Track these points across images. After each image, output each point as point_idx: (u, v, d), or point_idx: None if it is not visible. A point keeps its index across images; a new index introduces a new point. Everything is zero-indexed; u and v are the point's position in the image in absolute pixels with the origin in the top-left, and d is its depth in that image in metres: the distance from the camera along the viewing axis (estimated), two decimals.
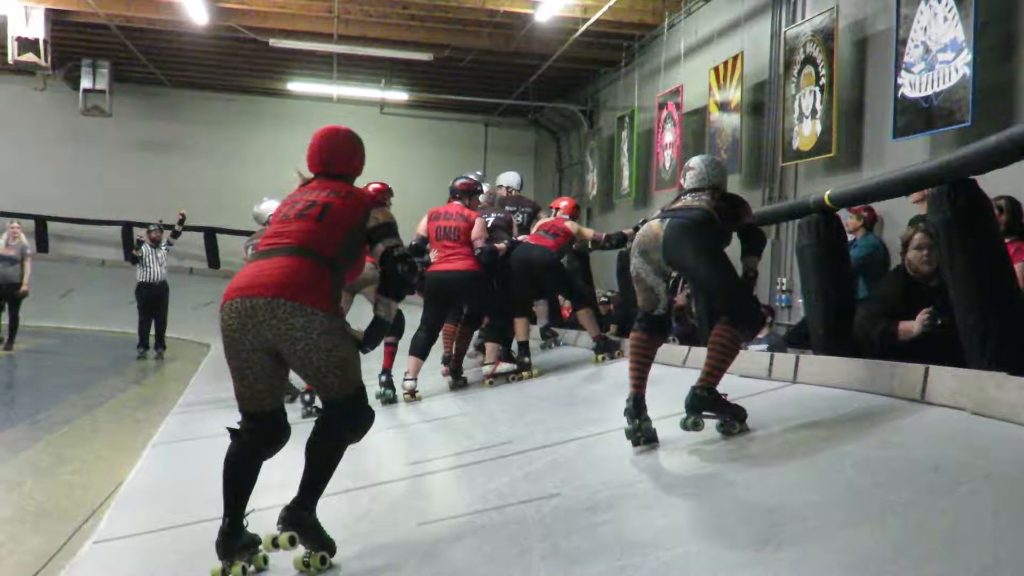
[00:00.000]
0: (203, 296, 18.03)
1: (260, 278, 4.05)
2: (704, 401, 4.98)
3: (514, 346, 8.83)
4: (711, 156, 6.01)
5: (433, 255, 8.50)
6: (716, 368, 5.02)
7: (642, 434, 5.12)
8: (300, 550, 4.13)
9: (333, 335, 4.08)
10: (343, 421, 4.41)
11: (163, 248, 15.21)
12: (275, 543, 4.17)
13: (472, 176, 9.14)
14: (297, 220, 4.29)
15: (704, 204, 5.20)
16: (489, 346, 8.60)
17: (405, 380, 8.33)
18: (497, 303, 8.78)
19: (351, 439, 4.45)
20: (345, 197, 4.48)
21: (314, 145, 5.05)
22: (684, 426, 5.05)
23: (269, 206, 9.27)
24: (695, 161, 5.49)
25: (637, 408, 5.18)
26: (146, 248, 14.97)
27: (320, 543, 4.13)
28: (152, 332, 15.01)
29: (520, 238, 9.17)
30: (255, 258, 4.29)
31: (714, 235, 5.18)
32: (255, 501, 4.31)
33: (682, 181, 5.51)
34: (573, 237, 9.17)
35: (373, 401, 4.84)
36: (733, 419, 4.97)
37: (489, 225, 8.86)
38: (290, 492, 4.32)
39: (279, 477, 4.86)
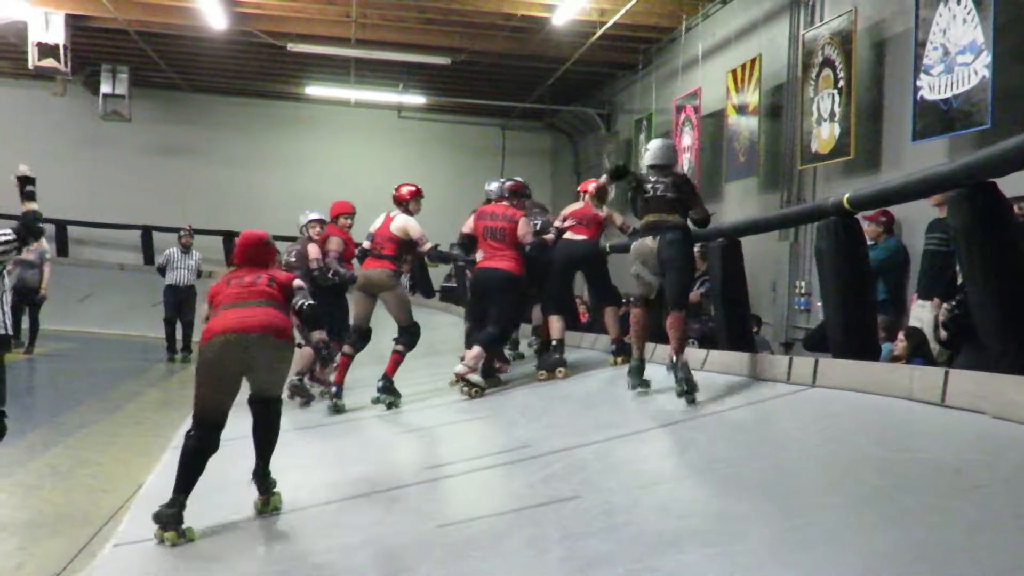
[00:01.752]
0: None
1: (247, 321, 5.38)
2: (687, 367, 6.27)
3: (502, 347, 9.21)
4: (666, 140, 7.61)
5: (479, 254, 8.65)
6: (682, 343, 6.51)
7: (644, 388, 6.84)
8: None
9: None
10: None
11: (194, 254, 15.43)
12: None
13: (518, 179, 9.40)
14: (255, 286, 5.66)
15: (679, 220, 6.86)
16: (475, 350, 8.47)
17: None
18: (514, 313, 8.85)
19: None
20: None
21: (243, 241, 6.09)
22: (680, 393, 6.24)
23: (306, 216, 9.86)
24: (653, 143, 7.32)
25: (640, 371, 6.94)
26: (176, 252, 15.22)
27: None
28: (179, 335, 15.22)
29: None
30: (232, 307, 5.52)
31: (690, 245, 6.96)
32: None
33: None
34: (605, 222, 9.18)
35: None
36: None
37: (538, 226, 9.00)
38: (305, 495, 4.31)
39: (293, 481, 4.86)
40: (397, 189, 9.16)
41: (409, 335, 8.80)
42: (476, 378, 8.33)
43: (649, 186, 6.97)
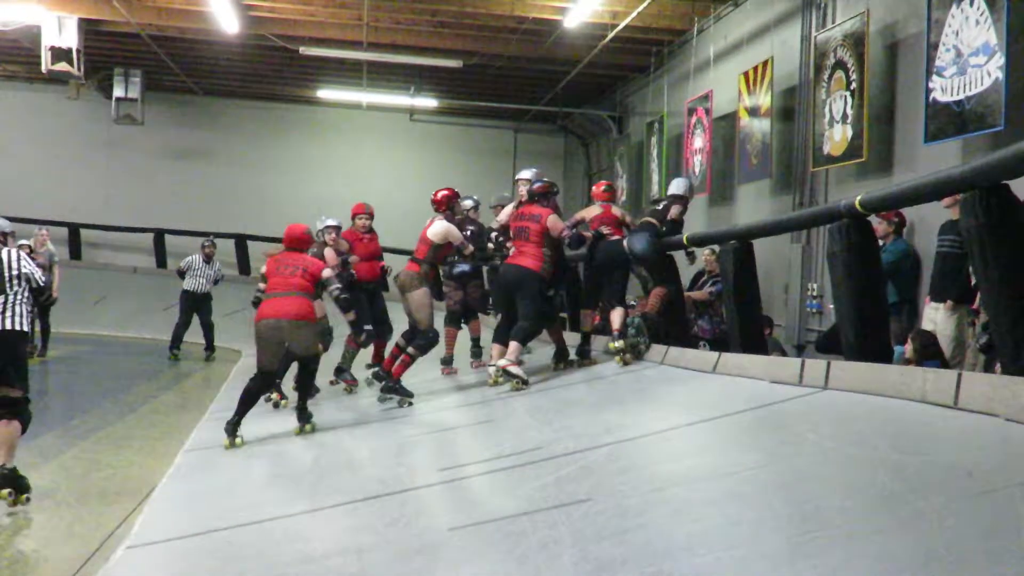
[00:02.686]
0: (234, 303, 18.11)
1: (282, 310, 7.91)
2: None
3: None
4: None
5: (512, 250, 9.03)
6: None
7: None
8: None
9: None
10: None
11: (215, 265, 15.97)
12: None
13: (546, 179, 9.46)
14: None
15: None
16: (513, 345, 8.64)
17: (488, 365, 9.07)
18: (544, 308, 9.05)
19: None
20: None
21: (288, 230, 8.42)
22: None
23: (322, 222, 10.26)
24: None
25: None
26: (198, 260, 15.73)
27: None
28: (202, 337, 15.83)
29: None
30: (274, 296, 8.03)
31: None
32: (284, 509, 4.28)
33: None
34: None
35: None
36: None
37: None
38: (316, 498, 4.32)
39: (306, 484, 4.87)
40: (434, 195, 9.34)
41: (425, 339, 8.94)
42: (517, 370, 8.47)
43: None
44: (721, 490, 4.35)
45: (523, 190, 9.53)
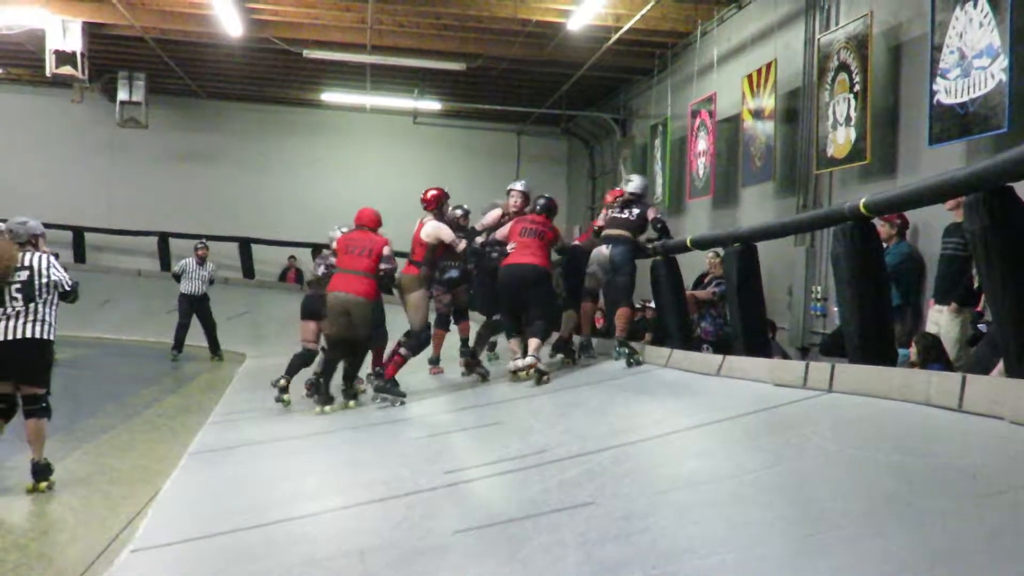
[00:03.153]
0: (238, 306, 18.15)
1: (349, 287, 9.05)
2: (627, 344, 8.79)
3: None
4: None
5: (510, 247, 9.31)
6: (625, 328, 9.01)
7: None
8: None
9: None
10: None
11: (208, 266, 16.36)
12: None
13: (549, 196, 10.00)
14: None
15: (629, 235, 9.34)
16: (535, 342, 8.86)
17: (514, 361, 9.07)
18: (553, 304, 9.53)
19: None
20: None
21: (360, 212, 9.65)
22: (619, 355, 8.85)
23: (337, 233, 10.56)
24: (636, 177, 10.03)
25: (590, 343, 9.76)
26: (192, 263, 16.17)
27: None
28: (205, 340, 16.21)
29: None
30: (344, 272, 9.19)
31: (634, 256, 9.36)
32: (288, 511, 4.29)
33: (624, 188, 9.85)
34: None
35: None
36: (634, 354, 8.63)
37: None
38: (320, 501, 4.33)
39: (309, 487, 4.88)
40: (424, 195, 9.63)
41: (416, 340, 9.27)
42: (543, 367, 8.84)
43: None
44: (725, 493, 4.36)
45: (516, 200, 9.90)
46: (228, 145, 23.43)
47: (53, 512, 6.37)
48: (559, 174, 24.52)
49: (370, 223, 9.49)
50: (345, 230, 10.27)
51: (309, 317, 10.40)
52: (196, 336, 15.82)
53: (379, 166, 23.64)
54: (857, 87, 9.99)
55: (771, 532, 3.69)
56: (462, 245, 9.63)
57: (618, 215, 9.54)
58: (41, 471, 6.88)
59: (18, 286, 6.96)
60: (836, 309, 8.02)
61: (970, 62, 8.11)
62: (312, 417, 8.79)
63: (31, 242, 7.31)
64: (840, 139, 10.26)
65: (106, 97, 21.25)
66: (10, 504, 6.41)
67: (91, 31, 16.10)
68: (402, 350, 9.15)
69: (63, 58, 15.75)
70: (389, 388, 8.96)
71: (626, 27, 14.46)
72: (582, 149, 23.22)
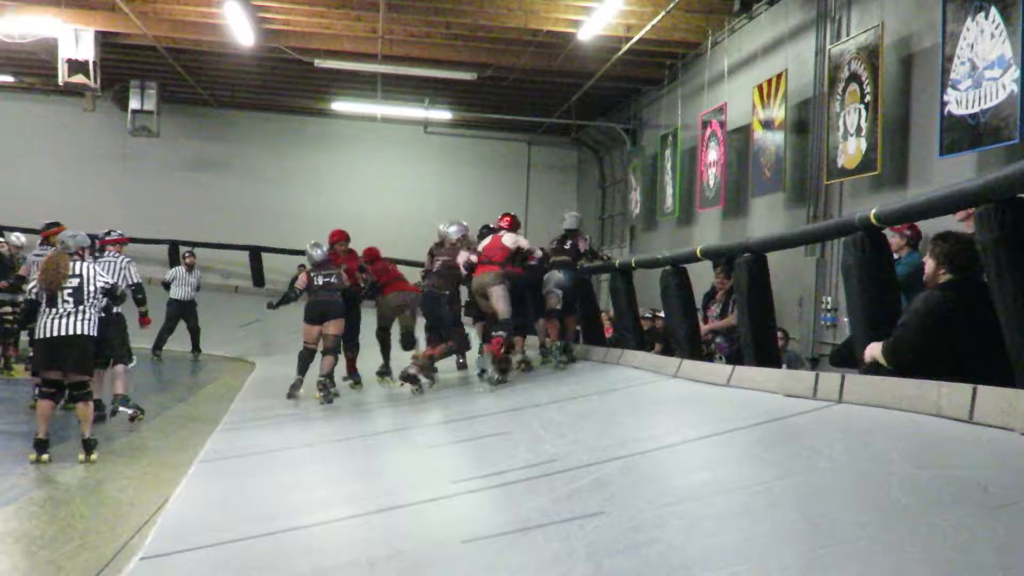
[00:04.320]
0: (248, 315, 18.18)
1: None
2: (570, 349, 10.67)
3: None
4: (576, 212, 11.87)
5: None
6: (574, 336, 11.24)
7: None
8: None
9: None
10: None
11: (196, 273, 17.38)
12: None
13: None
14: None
15: (570, 259, 11.08)
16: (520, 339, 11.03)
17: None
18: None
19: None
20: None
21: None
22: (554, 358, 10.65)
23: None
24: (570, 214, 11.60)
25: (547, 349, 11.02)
26: (181, 271, 17.30)
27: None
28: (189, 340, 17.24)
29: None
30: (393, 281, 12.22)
31: (576, 277, 11.16)
32: (296, 520, 4.29)
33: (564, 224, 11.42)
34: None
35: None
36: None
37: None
38: (329, 510, 4.33)
39: (318, 495, 4.88)
40: (501, 218, 11.24)
41: (509, 325, 10.36)
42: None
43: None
44: (735, 504, 4.34)
45: (454, 238, 11.43)
46: (239, 154, 23.50)
47: (62, 519, 6.37)
48: (569, 183, 24.55)
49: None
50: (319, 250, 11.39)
51: (310, 321, 11.13)
52: (208, 345, 15.83)
53: (390, 175, 23.69)
54: (868, 97, 9.98)
55: (782, 545, 3.67)
56: (538, 253, 11.05)
57: (560, 247, 11.28)
58: (90, 445, 8.12)
59: (69, 291, 8.24)
60: (846, 319, 8.01)
61: (981, 73, 8.10)
62: (321, 425, 8.80)
63: (79, 253, 8.70)
64: (851, 149, 10.26)
65: (118, 106, 21.34)
66: (20, 511, 6.42)
67: (103, 40, 16.18)
68: (502, 332, 10.24)
69: (75, 67, 15.83)
70: (501, 366, 10.23)
71: (636, 37, 14.47)
72: (592, 159, 23.22)
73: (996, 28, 7.94)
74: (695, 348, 9.20)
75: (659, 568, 3.64)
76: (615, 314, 11.33)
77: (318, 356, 11.12)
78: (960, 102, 8.35)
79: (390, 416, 8.85)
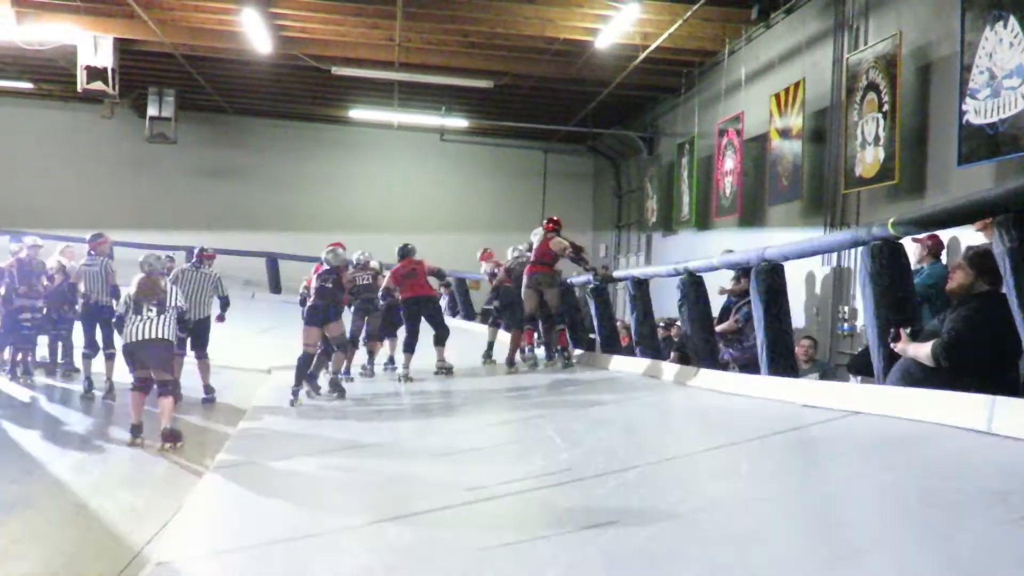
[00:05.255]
0: (265, 321, 18.18)
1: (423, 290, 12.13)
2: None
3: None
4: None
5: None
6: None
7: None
8: None
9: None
10: None
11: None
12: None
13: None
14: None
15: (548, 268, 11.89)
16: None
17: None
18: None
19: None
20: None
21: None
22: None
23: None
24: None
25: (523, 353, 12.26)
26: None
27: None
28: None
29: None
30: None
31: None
32: (311, 527, 4.28)
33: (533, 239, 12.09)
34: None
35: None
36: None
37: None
38: (344, 517, 4.31)
39: (333, 502, 4.86)
40: (547, 222, 12.09)
41: (560, 318, 12.25)
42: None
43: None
44: (751, 515, 4.33)
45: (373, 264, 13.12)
46: (256, 161, 23.59)
47: (78, 524, 6.39)
48: (585, 191, 24.57)
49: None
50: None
51: (312, 324, 11.38)
52: (224, 352, 15.81)
53: (406, 182, 23.76)
54: (886, 107, 9.96)
55: (798, 555, 3.66)
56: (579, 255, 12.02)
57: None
58: (170, 435, 9.03)
59: (155, 303, 9.54)
60: (863, 328, 7.98)
61: (1000, 82, 8.08)
62: (336, 433, 8.79)
63: (162, 272, 10.29)
64: (868, 159, 10.23)
65: (136, 113, 21.47)
66: (34, 518, 6.44)
67: (122, 47, 16.27)
68: (560, 326, 12.26)
69: (94, 74, 15.92)
70: (561, 351, 12.09)
71: (653, 46, 14.48)
72: (608, 167, 23.24)
73: (1015, 37, 7.92)
74: (711, 357, 9.18)
75: None
76: (632, 323, 11.33)
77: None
78: (978, 111, 8.32)
79: (405, 424, 8.85)
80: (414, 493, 6.01)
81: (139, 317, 9.50)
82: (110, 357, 12.25)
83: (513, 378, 11.32)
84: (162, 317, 9.56)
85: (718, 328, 9.92)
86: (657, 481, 5.28)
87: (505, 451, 7.31)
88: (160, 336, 9.49)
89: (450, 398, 10.71)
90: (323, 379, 11.33)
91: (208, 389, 12.21)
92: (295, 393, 10.75)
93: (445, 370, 12.06)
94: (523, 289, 11.83)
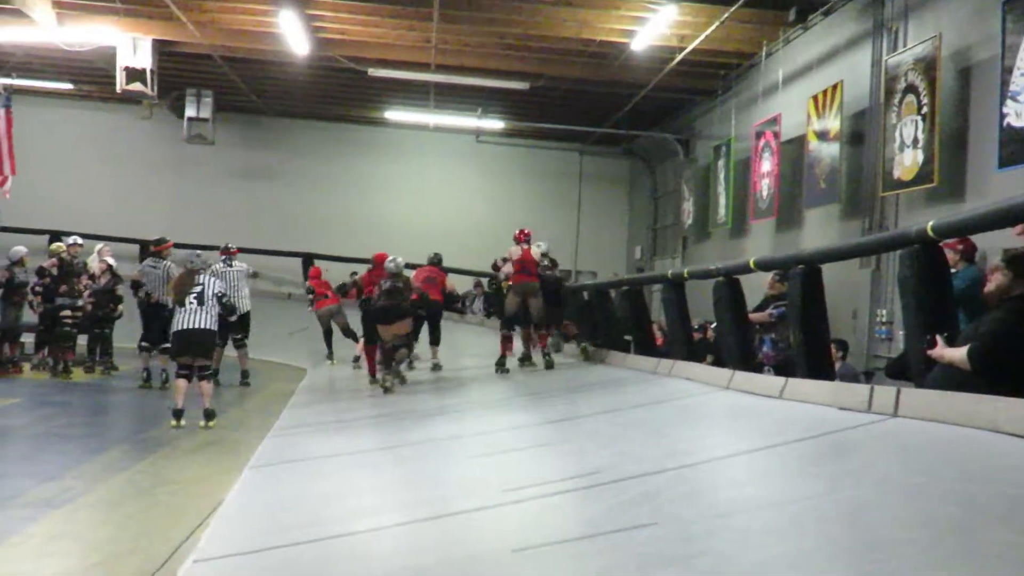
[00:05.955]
0: (300, 321, 18.26)
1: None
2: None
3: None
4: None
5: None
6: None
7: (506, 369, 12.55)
8: None
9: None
10: None
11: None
12: None
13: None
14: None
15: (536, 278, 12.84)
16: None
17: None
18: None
19: None
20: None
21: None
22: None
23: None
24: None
25: (506, 364, 12.69)
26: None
27: None
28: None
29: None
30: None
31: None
32: (347, 526, 4.29)
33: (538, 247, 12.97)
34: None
35: None
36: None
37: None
38: (379, 516, 4.33)
39: (369, 502, 4.88)
40: (520, 233, 12.92)
41: (546, 325, 13.02)
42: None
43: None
44: (785, 518, 4.30)
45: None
46: (292, 162, 23.70)
47: (115, 521, 6.44)
48: (620, 194, 24.51)
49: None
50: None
51: (385, 322, 12.34)
52: (259, 350, 15.93)
53: (441, 184, 23.79)
54: (925, 109, 9.88)
55: (832, 560, 3.63)
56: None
57: (545, 269, 13.40)
58: (210, 414, 10.43)
59: (194, 296, 10.60)
60: (902, 332, 7.91)
61: None
62: (371, 433, 8.83)
63: (203, 269, 11.25)
64: (907, 161, 10.15)
65: (174, 114, 21.60)
66: (71, 515, 6.49)
67: (160, 49, 16.39)
68: (542, 330, 12.89)
69: (133, 75, 16.04)
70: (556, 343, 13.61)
71: (690, 47, 14.43)
72: (644, 169, 23.18)
73: None
74: (747, 360, 9.13)
75: None
76: (667, 325, 11.31)
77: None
78: (1020, 114, 8.25)
79: (439, 424, 8.86)
80: (447, 494, 6.02)
81: (182, 310, 10.59)
82: (165, 351, 12.79)
83: (546, 380, 11.46)
84: (203, 308, 10.58)
85: (751, 315, 9.88)
86: (690, 484, 5.26)
87: (538, 452, 7.30)
88: (204, 326, 10.57)
89: (485, 398, 10.73)
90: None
91: (244, 374, 14.08)
92: (383, 379, 12.06)
93: (437, 367, 13.76)
94: (509, 295, 12.90)
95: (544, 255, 13.70)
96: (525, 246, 12.73)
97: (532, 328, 13.02)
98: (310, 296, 16.34)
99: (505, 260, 13.38)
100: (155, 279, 13.82)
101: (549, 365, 12.50)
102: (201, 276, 10.90)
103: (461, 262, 18.60)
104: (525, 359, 13.02)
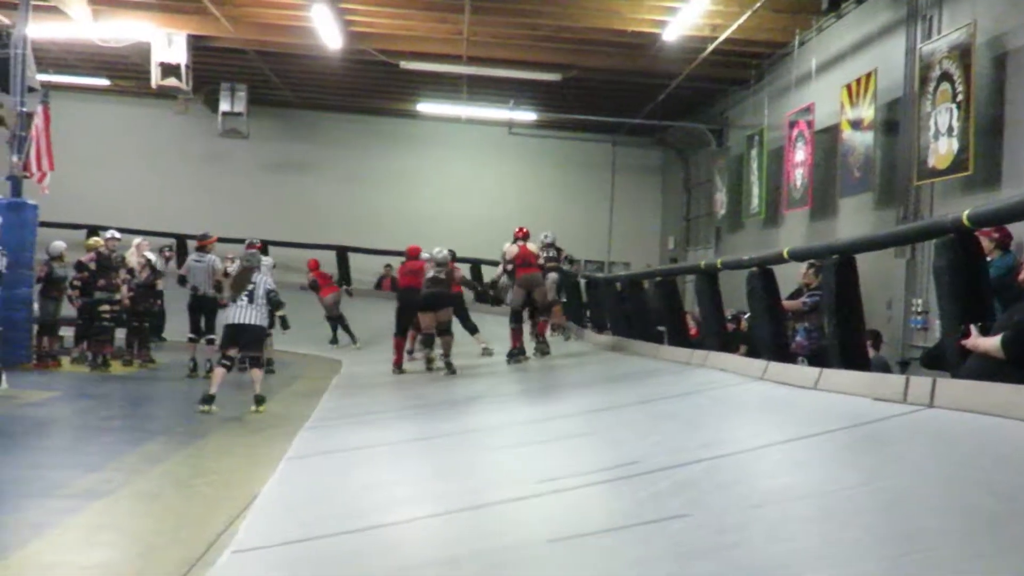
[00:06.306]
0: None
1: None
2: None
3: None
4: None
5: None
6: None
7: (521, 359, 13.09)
8: None
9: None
10: None
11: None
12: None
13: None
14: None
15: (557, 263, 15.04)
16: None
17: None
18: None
19: None
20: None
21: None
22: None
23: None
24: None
25: (521, 352, 13.12)
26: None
27: None
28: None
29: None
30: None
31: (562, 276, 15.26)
32: (382, 517, 4.33)
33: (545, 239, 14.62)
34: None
35: None
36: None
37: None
38: (414, 507, 4.36)
39: (404, 493, 4.91)
40: (520, 230, 13.68)
41: (547, 311, 13.89)
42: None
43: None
44: (820, 508, 4.30)
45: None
46: (326, 155, 23.81)
47: (154, 513, 6.51)
48: (653, 184, 24.46)
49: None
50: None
51: (427, 309, 13.12)
52: (285, 342, 16.00)
53: (474, 176, 23.82)
54: (960, 97, 9.81)
55: (866, 550, 3.63)
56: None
57: (551, 257, 14.73)
58: (260, 399, 11.07)
59: (247, 292, 11.26)
60: (937, 322, 7.87)
61: None
62: (405, 424, 8.88)
63: (257, 268, 11.61)
64: (942, 150, 10.09)
65: (208, 108, 21.75)
66: (112, 506, 6.57)
67: (195, 44, 16.53)
68: (543, 317, 13.73)
69: (168, 70, 16.18)
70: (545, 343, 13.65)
71: (722, 37, 14.39)
72: (676, 159, 23.12)
73: None
74: (781, 350, 9.10)
75: (743, 571, 3.62)
76: (700, 316, 11.30)
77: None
78: None
79: (473, 415, 8.91)
80: (482, 485, 6.05)
81: (235, 304, 11.34)
82: (211, 342, 13.41)
83: (579, 371, 11.64)
84: (253, 305, 11.28)
85: (784, 302, 9.86)
86: (724, 475, 5.26)
87: (572, 443, 7.32)
88: (252, 322, 11.30)
89: (519, 388, 10.76)
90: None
91: (269, 362, 14.13)
92: (425, 356, 13.22)
93: (488, 352, 14.42)
94: (514, 288, 13.62)
95: (550, 245, 14.84)
96: (521, 243, 13.52)
97: (531, 318, 13.77)
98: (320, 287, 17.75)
99: (508, 262, 13.84)
100: (200, 273, 14.16)
101: (544, 353, 13.35)
102: (255, 275, 11.48)
103: (494, 254, 18.63)
104: (516, 353, 13.27)
